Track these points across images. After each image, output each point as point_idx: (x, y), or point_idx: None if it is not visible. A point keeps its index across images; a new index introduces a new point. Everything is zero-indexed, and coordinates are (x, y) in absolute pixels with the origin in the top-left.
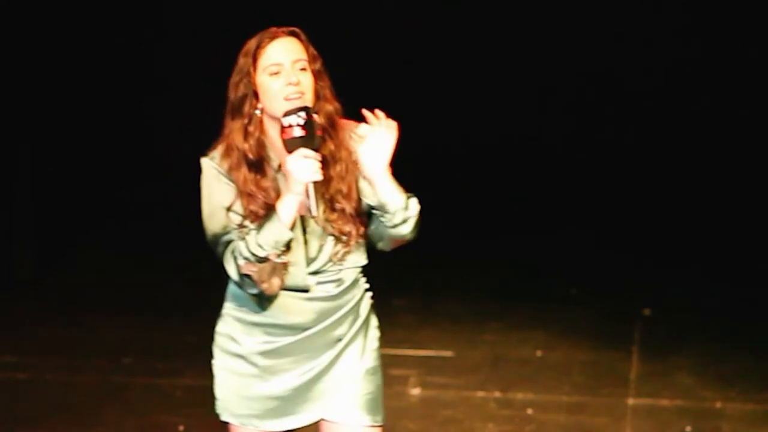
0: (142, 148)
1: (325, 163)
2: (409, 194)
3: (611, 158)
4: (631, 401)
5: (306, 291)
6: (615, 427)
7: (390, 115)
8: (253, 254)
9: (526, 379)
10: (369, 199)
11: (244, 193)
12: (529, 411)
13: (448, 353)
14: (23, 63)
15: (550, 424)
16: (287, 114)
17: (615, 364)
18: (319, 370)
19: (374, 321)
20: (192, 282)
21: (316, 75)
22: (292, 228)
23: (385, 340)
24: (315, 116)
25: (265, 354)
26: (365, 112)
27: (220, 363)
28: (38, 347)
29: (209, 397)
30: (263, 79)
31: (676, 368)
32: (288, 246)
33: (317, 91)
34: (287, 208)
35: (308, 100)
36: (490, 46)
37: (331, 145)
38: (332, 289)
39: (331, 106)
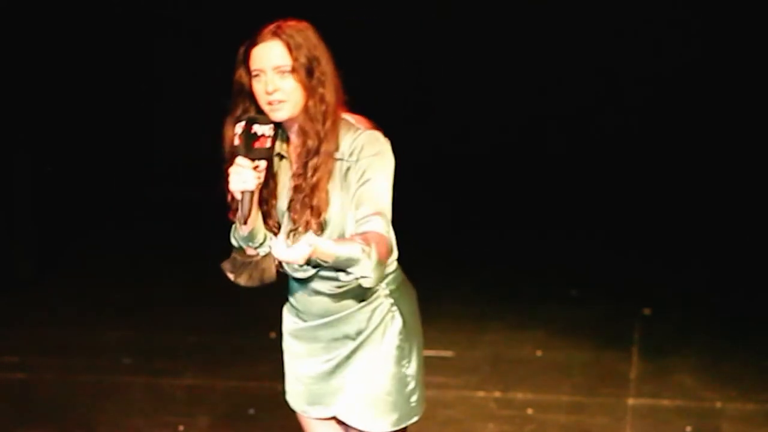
0: (142, 148)
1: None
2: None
3: (611, 158)
4: (631, 401)
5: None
6: (615, 427)
7: (391, 114)
8: (231, 243)
9: (526, 379)
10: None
11: None
12: (529, 411)
13: (448, 353)
14: (22, 64)
15: (550, 424)
16: (237, 122)
17: (615, 364)
18: (333, 365)
19: (395, 327)
20: (192, 282)
21: (306, 77)
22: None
23: None
24: (255, 126)
25: (293, 334)
26: None
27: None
28: (38, 347)
29: (209, 397)
30: (253, 82)
31: (676, 368)
32: (256, 242)
33: (309, 91)
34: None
35: (289, 108)
36: (490, 46)
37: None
38: (333, 289)
39: (323, 106)
